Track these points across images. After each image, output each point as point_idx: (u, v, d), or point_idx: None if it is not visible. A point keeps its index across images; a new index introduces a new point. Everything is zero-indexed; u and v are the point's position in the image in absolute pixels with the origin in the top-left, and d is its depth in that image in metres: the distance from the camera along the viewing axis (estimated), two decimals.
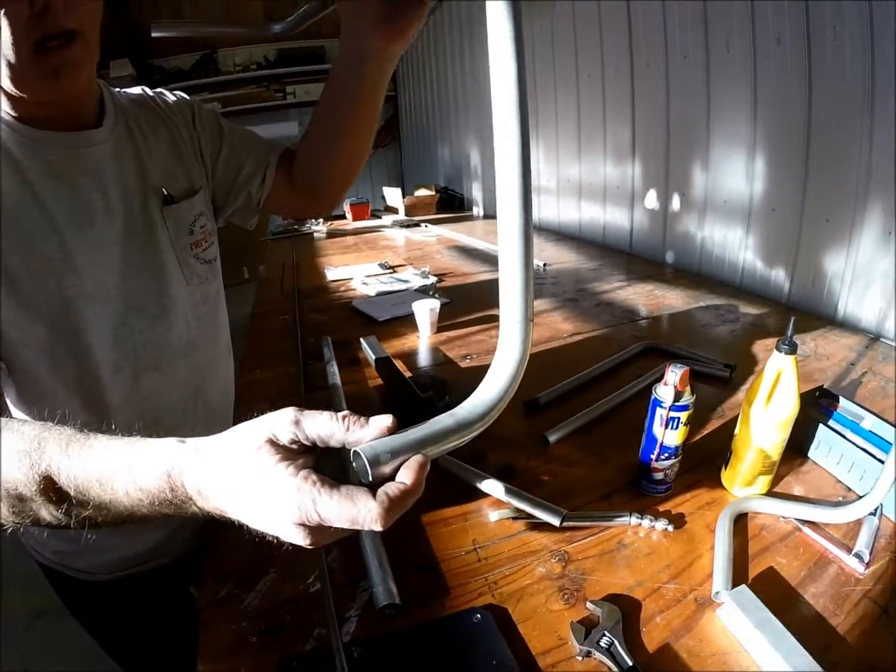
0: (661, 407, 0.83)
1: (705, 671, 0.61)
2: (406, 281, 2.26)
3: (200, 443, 0.47)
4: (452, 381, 1.30)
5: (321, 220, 3.91)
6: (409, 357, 1.51)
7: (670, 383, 0.82)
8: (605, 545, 0.81)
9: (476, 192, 4.69)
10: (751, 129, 2.08)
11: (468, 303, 1.94)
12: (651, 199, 2.67)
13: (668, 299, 2.03)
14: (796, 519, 0.84)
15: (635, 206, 2.81)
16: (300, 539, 0.42)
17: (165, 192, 0.87)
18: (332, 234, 3.60)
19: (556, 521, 0.81)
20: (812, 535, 0.81)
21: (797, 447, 0.99)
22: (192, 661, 0.69)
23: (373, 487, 0.43)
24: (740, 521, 0.84)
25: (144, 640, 1.05)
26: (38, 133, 0.74)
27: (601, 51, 2.84)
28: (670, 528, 0.81)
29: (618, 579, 0.74)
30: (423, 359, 1.52)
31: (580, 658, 0.62)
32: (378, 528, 0.41)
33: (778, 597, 0.69)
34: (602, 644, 0.62)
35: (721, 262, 2.32)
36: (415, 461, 0.45)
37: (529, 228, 0.48)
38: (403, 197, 4.46)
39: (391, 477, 0.44)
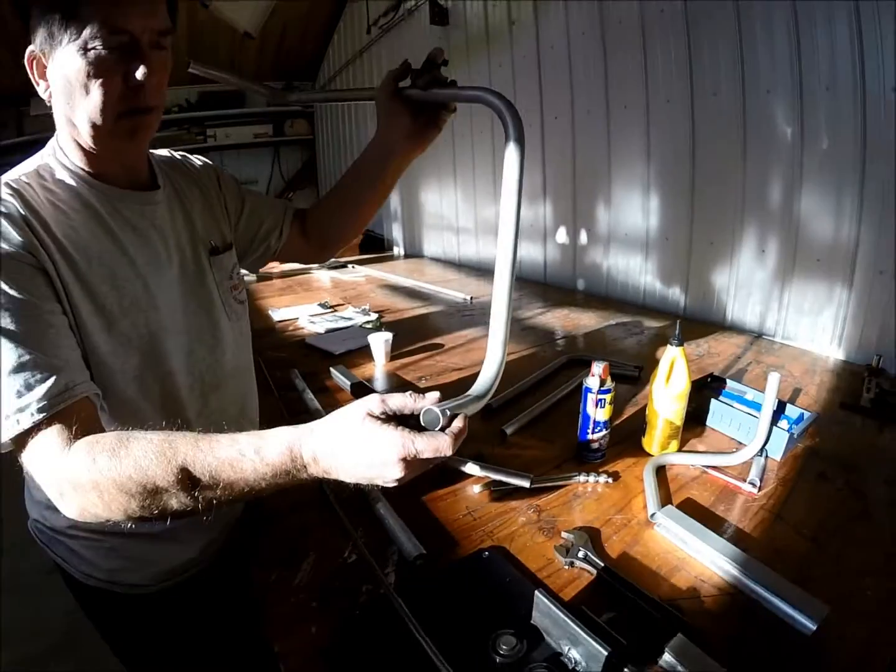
0: (591, 392, 1.14)
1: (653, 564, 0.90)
2: (349, 318, 2.48)
3: (313, 424, 0.68)
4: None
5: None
6: (372, 383, 1.73)
7: (596, 374, 1.13)
8: (564, 497, 1.09)
9: (396, 233, 4.96)
10: (645, 172, 2.53)
11: (410, 334, 2.18)
12: (561, 235, 3.07)
13: (583, 320, 2.40)
14: (703, 465, 1.17)
15: (548, 241, 3.21)
16: (399, 472, 0.64)
17: (213, 244, 1.03)
18: (262, 278, 3.71)
19: (526, 484, 1.09)
20: (716, 475, 1.14)
21: (698, 420, 1.35)
22: (243, 653, 0.86)
23: None
24: (661, 473, 1.15)
25: (193, 643, 1.09)
26: (114, 191, 0.86)
27: (515, 103, 3.19)
28: (610, 480, 1.12)
29: (579, 518, 1.02)
30: (385, 383, 1.75)
31: (567, 567, 0.89)
32: (450, 452, 0.65)
33: (697, 514, 0.99)
34: (579, 556, 0.89)
35: (625, 286, 2.75)
36: (461, 416, 0.68)
37: (513, 272, 0.77)
38: None
39: (447, 427, 0.67)
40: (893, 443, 1.31)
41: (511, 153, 0.83)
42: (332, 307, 2.75)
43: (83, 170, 0.84)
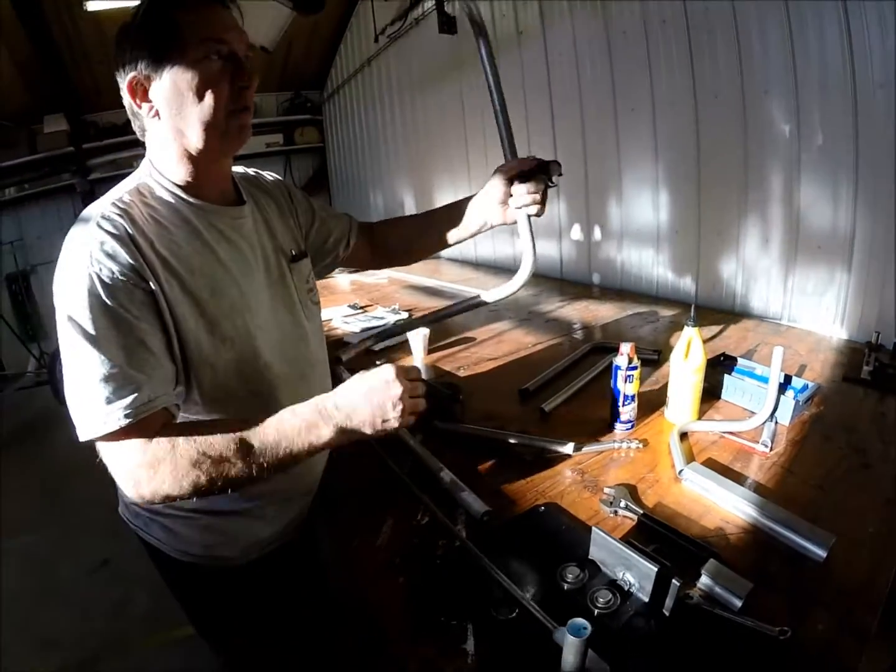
0: (621, 370, 1.31)
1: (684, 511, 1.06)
2: (381, 317, 2.64)
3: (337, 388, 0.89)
4: (458, 384, 1.71)
5: None
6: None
7: (624, 353, 1.31)
8: (603, 461, 1.26)
9: None
10: (654, 169, 2.69)
11: (442, 330, 2.30)
12: (576, 232, 3.24)
13: (601, 311, 2.57)
14: (721, 431, 1.34)
15: (563, 238, 3.37)
16: (399, 386, 0.86)
17: (292, 253, 1.15)
18: None
19: (570, 450, 1.26)
20: (733, 438, 1.31)
21: (713, 394, 1.52)
22: (326, 615, 1.02)
23: None
24: (683, 439, 1.31)
25: (271, 610, 1.20)
26: (208, 206, 0.97)
27: (525, 110, 3.39)
28: (641, 445, 1.29)
29: (617, 477, 1.19)
30: (427, 374, 1.91)
31: (611, 515, 1.06)
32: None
33: (718, 470, 1.16)
34: (621, 506, 1.06)
35: (639, 278, 2.92)
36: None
37: None
38: None
39: None
40: (891, 409, 1.47)
41: None
42: (362, 308, 2.90)
43: (179, 187, 0.94)
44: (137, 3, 0.88)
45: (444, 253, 4.71)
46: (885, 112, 1.81)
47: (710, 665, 0.75)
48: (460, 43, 3.80)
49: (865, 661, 0.75)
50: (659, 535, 0.98)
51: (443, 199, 4.38)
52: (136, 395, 0.79)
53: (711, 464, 1.21)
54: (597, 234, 3.13)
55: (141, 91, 0.89)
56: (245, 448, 0.81)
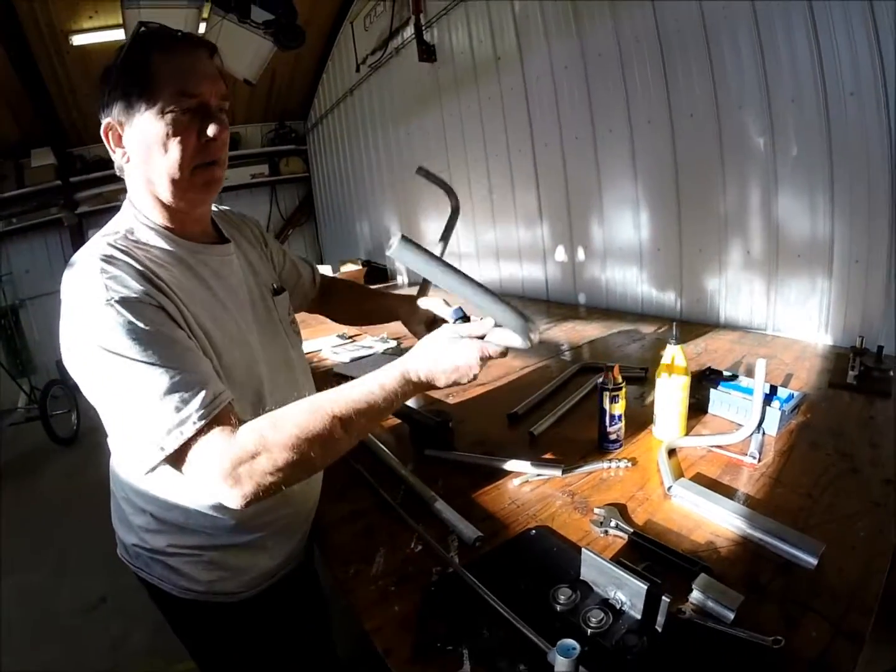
0: (606, 390, 1.32)
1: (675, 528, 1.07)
2: (370, 347, 2.65)
3: (410, 352, 0.92)
4: (448, 411, 1.71)
5: None
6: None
7: (609, 375, 1.31)
8: (592, 482, 1.26)
9: (399, 263, 5.12)
10: (634, 189, 2.74)
11: None
12: (560, 253, 3.27)
13: (587, 331, 2.59)
14: (709, 445, 1.35)
15: (547, 260, 3.40)
16: (478, 367, 0.90)
17: (273, 287, 1.18)
18: None
19: (559, 473, 1.27)
20: (721, 452, 1.32)
21: (701, 408, 1.53)
22: (328, 645, 1.01)
23: None
24: (672, 455, 1.32)
25: (285, 638, 1.21)
26: (197, 246, 0.99)
27: (506, 135, 3.47)
28: (629, 464, 1.29)
29: (607, 497, 1.19)
30: (416, 402, 1.90)
31: (602, 535, 1.07)
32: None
33: (707, 485, 1.17)
34: (612, 526, 1.06)
35: (624, 296, 2.95)
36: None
37: None
38: (334, 272, 4.86)
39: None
40: (877, 412, 1.49)
41: None
42: (350, 337, 2.91)
43: (166, 227, 0.96)
44: (122, 38, 0.90)
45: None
46: (856, 119, 1.86)
47: None
48: (440, 71, 3.86)
49: (862, 664, 0.76)
50: (650, 552, 0.98)
51: (429, 228, 4.45)
52: (202, 394, 0.79)
53: (700, 478, 1.22)
54: (580, 254, 3.17)
55: (115, 136, 0.91)
56: (341, 423, 0.83)
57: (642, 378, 1.83)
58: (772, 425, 1.36)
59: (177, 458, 0.79)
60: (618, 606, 0.85)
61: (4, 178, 5.84)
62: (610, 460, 1.30)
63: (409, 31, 4.08)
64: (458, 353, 0.90)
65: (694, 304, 2.59)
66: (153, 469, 0.80)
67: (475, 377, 0.91)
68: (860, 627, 0.81)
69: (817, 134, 1.97)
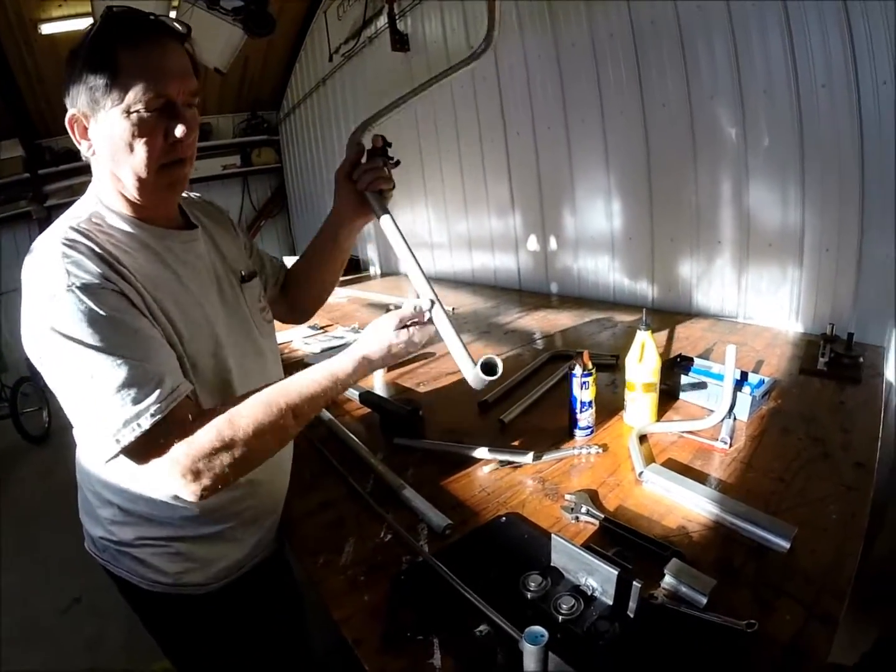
0: (576, 377, 1.30)
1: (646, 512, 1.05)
2: (341, 337, 2.61)
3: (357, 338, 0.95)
4: (419, 399, 1.68)
5: None
6: (376, 391, 1.85)
7: (578, 361, 1.29)
8: (563, 468, 1.25)
9: (371, 253, 5.11)
10: (605, 179, 2.73)
11: None
12: (532, 243, 3.26)
13: (560, 320, 2.58)
14: (680, 431, 1.34)
15: (519, 249, 3.39)
16: (404, 333, 0.91)
17: (242, 273, 1.13)
18: None
19: (529, 460, 1.25)
20: (692, 437, 1.31)
21: (672, 395, 1.52)
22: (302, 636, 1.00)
23: None
24: (643, 441, 1.31)
25: (258, 630, 1.20)
26: (162, 231, 0.96)
27: (478, 124, 3.45)
28: (601, 450, 1.28)
29: (578, 483, 1.18)
30: (387, 391, 1.89)
31: (573, 521, 1.05)
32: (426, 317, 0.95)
33: (679, 470, 1.16)
34: (583, 512, 1.04)
35: (596, 285, 2.95)
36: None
37: None
38: None
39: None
40: (847, 398, 1.50)
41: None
42: (322, 328, 2.87)
43: (131, 216, 0.93)
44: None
45: (403, 269, 4.72)
46: (827, 111, 1.87)
47: (677, 662, 0.74)
48: (413, 60, 3.82)
49: (839, 648, 0.75)
50: (621, 537, 0.97)
51: (401, 219, 4.37)
52: (159, 388, 0.78)
53: (672, 464, 1.21)
54: (553, 244, 3.16)
55: (80, 128, 0.87)
56: (294, 411, 0.85)
57: (613, 365, 1.82)
58: (743, 411, 1.35)
59: (133, 451, 0.78)
60: (589, 593, 0.83)
61: None
62: (581, 447, 1.28)
63: (383, 21, 4.03)
64: (383, 324, 0.93)
65: (666, 292, 2.60)
66: (113, 458, 0.78)
67: (411, 353, 0.96)
68: (833, 611, 0.80)
69: (789, 125, 1.98)
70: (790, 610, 0.81)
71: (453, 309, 3.01)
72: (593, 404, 1.34)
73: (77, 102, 0.84)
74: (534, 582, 0.86)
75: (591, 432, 1.36)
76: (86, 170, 0.95)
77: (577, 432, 1.36)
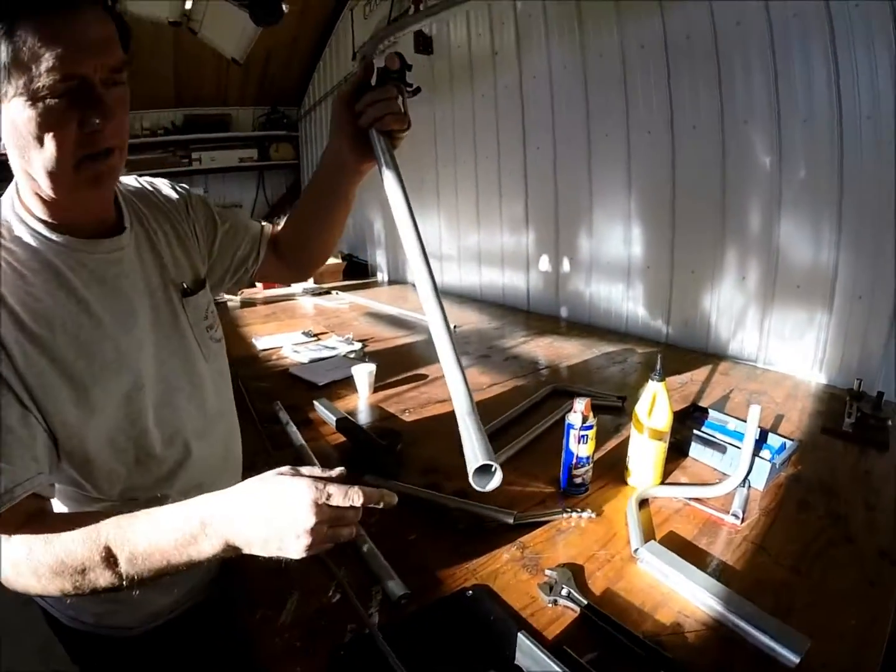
0: (574, 429, 1.14)
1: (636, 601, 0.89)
2: (333, 348, 2.46)
3: (226, 490, 0.70)
4: (401, 430, 1.54)
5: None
6: (355, 415, 1.72)
7: (578, 411, 1.14)
8: (548, 533, 1.09)
9: (380, 259, 4.97)
10: (626, 201, 2.58)
11: (394, 365, 2.16)
12: (544, 263, 3.11)
13: (566, 349, 2.41)
14: (686, 497, 1.17)
15: (530, 268, 3.23)
16: (312, 517, 0.64)
17: (185, 286, 0.98)
18: (245, 304, 3.66)
19: (510, 521, 1.08)
20: (699, 507, 1.15)
21: (680, 450, 1.36)
22: None
23: None
24: (644, 506, 1.15)
25: None
26: (77, 243, 0.80)
27: (497, 135, 3.30)
28: (593, 515, 1.11)
29: (563, 554, 1.02)
30: (369, 416, 1.74)
31: (550, 605, 0.89)
32: (359, 500, 0.68)
33: (680, 548, 1.00)
34: (563, 594, 0.89)
35: (608, 313, 2.78)
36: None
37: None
38: None
39: None
40: (874, 467, 1.33)
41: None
42: (315, 335, 2.73)
43: (43, 222, 0.79)
44: None
45: (411, 278, 4.59)
46: (870, 145, 1.72)
47: None
48: (436, 64, 3.70)
49: None
50: (604, 633, 0.82)
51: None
52: None
53: (673, 538, 1.05)
54: (566, 265, 3.00)
55: None
56: (111, 559, 0.67)
57: (619, 408, 1.66)
58: (759, 479, 1.19)
59: None
60: None
61: None
62: (571, 508, 1.12)
63: None
64: (283, 495, 0.67)
65: (682, 327, 2.44)
66: None
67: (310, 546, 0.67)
68: None
69: (828, 157, 1.83)
70: None
71: (455, 327, 2.86)
72: (591, 460, 1.18)
73: None
74: None
75: (586, 490, 1.21)
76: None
77: (570, 489, 1.20)
